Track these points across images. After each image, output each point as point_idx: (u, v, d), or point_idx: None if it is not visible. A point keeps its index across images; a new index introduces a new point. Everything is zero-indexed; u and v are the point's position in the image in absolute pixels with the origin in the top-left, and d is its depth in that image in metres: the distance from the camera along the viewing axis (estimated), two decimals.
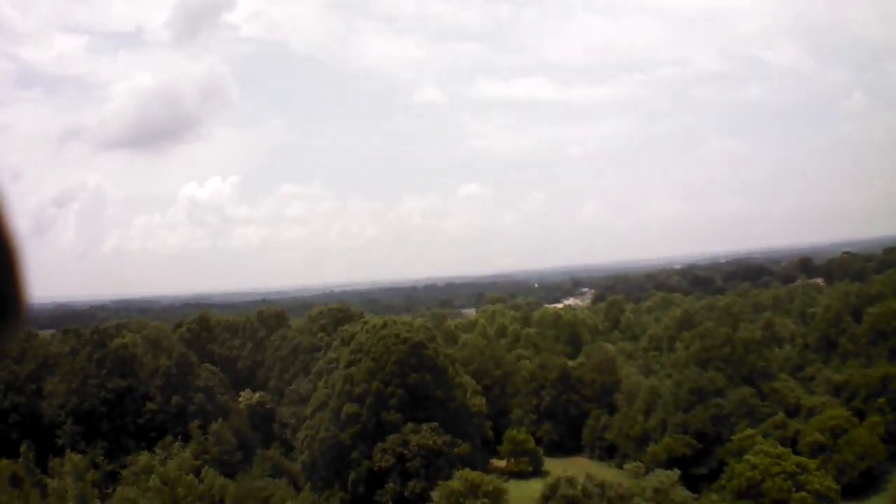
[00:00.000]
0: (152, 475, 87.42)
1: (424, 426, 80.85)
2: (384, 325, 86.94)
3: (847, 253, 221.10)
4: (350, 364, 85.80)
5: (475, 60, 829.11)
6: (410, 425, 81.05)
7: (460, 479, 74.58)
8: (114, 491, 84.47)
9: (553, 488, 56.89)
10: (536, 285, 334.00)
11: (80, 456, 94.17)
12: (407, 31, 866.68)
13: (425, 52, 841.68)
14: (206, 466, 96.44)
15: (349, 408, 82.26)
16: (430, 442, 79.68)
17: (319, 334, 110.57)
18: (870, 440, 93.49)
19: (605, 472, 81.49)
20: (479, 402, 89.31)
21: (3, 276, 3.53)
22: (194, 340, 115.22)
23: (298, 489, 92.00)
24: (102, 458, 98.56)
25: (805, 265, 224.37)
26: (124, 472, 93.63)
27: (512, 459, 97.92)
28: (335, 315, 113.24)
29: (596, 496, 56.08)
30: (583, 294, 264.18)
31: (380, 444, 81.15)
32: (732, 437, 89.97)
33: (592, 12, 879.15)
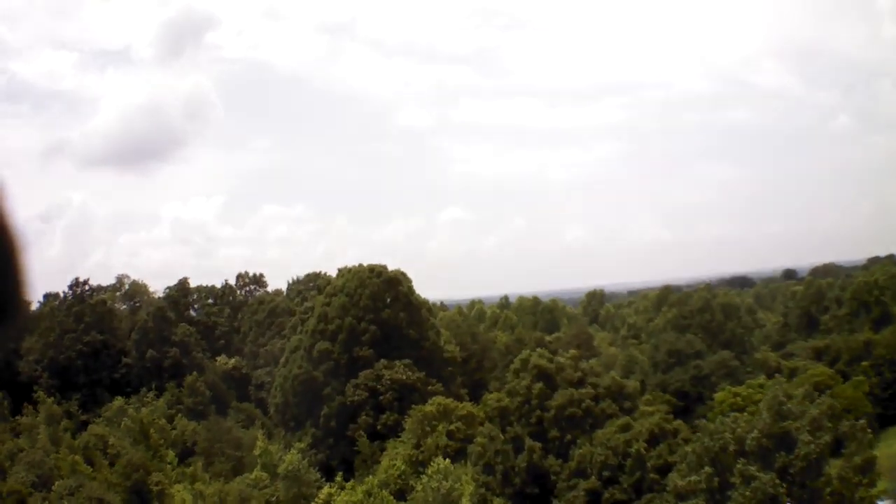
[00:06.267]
0: (125, 418, 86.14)
1: (398, 363, 79.79)
2: (359, 266, 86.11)
3: (832, 263, 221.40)
4: (324, 305, 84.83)
5: (460, 83, 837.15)
6: (383, 361, 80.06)
7: (434, 403, 73.36)
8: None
9: (525, 362, 55.80)
10: None
11: (53, 402, 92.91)
12: (394, 54, 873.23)
13: (411, 76, 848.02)
14: (179, 415, 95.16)
15: (322, 345, 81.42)
16: (404, 377, 78.62)
17: (296, 299, 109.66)
18: (855, 395, 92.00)
19: None
20: (453, 350, 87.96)
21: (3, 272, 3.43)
22: (172, 306, 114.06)
23: (271, 437, 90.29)
24: (77, 408, 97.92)
25: (789, 275, 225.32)
26: (97, 420, 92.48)
27: None
28: (313, 280, 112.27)
29: (569, 368, 55.02)
30: None
31: (352, 381, 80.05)
32: (714, 396, 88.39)
33: (576, 34, 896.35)
